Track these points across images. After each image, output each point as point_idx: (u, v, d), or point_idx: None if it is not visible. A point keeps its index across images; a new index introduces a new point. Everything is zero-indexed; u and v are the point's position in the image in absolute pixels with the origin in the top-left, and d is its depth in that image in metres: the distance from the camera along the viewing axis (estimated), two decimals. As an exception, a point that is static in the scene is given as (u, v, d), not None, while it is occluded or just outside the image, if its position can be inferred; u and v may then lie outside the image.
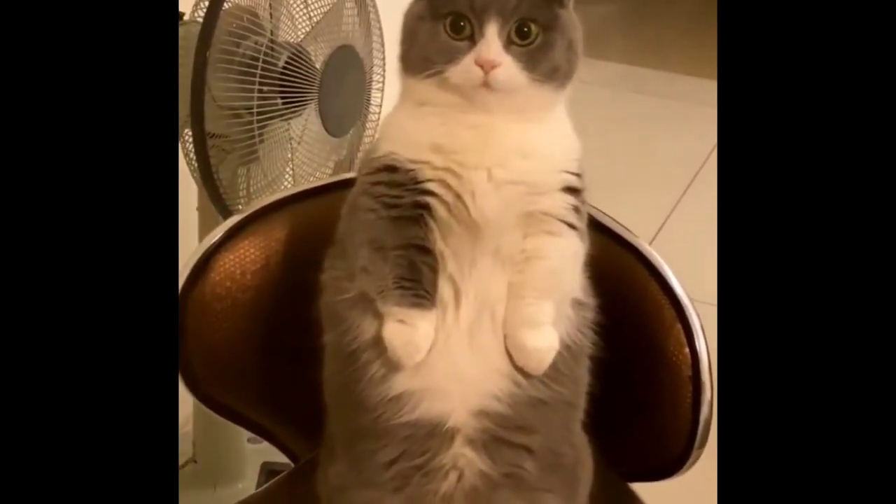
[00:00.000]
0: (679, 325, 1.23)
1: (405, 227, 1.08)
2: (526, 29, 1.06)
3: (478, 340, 1.10)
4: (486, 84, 1.05)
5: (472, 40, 1.06)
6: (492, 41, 1.05)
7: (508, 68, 1.05)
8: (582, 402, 1.17)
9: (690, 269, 2.51)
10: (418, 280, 1.08)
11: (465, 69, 1.06)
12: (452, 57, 1.06)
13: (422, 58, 1.08)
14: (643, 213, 2.80)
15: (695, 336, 1.23)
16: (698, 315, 1.24)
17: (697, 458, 1.23)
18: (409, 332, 1.08)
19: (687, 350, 1.23)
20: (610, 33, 3.72)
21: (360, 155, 1.81)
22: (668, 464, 1.25)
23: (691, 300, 1.24)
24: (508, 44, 1.06)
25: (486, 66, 1.05)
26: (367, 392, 1.11)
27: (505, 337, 1.10)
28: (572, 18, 1.11)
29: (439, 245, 1.09)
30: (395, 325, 1.08)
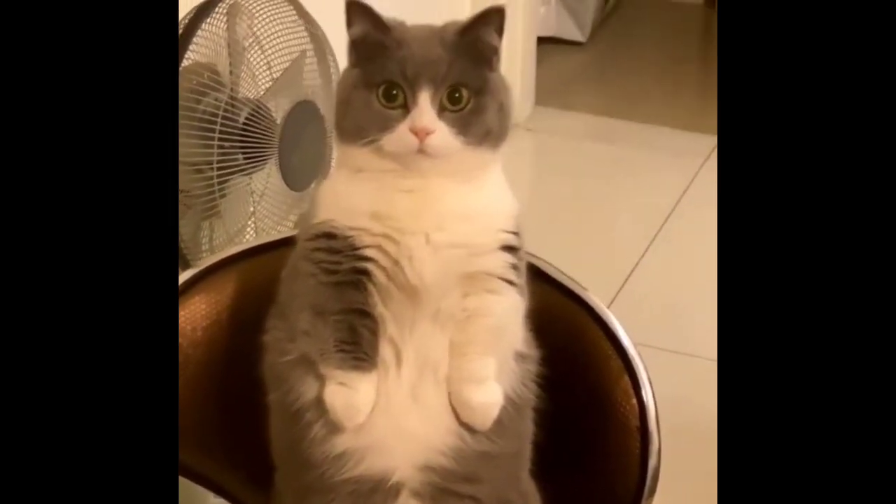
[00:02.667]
0: (626, 377, 1.24)
1: (345, 291, 1.09)
2: (457, 94, 1.08)
3: (421, 399, 1.11)
4: (422, 150, 1.07)
5: (406, 108, 1.07)
6: (425, 109, 1.07)
7: (442, 134, 1.07)
8: (527, 452, 1.18)
9: (659, 318, 2.54)
10: (358, 343, 1.09)
11: (399, 137, 1.07)
12: (387, 125, 1.07)
13: (356, 127, 1.09)
14: (612, 262, 2.82)
15: (641, 386, 1.23)
16: (644, 366, 1.24)
17: (647, 508, 1.24)
18: (349, 394, 1.09)
19: (634, 401, 1.23)
20: (580, 85, 3.75)
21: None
22: (618, 514, 1.26)
23: (637, 351, 1.25)
24: (441, 110, 1.08)
25: (421, 134, 1.06)
26: (311, 450, 1.12)
27: (449, 394, 1.11)
28: (502, 80, 1.13)
29: (379, 308, 1.10)
30: (336, 387, 1.10)
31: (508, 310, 1.12)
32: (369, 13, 1.10)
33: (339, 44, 1.83)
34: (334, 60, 1.82)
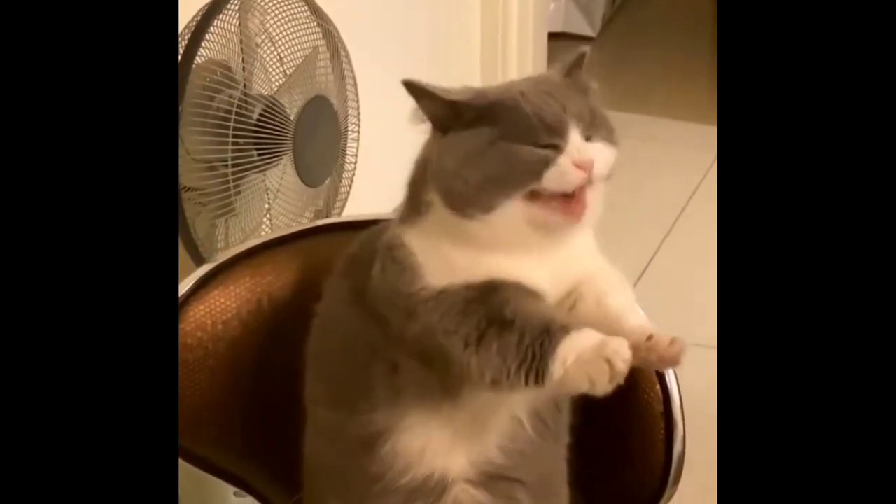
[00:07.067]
0: (649, 363, 1.23)
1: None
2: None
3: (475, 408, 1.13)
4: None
5: (557, 149, 1.07)
6: (577, 140, 1.07)
7: (601, 152, 1.10)
8: (565, 433, 1.20)
9: (674, 311, 2.53)
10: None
11: (562, 171, 1.06)
12: (546, 164, 1.06)
13: (503, 178, 1.07)
14: (626, 256, 2.80)
15: (665, 373, 1.23)
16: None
17: (672, 495, 1.23)
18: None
19: (658, 387, 1.23)
20: (591, 80, 3.75)
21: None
22: (643, 501, 1.25)
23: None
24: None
25: (587, 166, 1.07)
26: (372, 466, 1.14)
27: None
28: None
29: None
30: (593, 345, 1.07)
31: None
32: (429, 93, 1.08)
33: (350, 39, 1.84)
34: (346, 56, 1.81)
